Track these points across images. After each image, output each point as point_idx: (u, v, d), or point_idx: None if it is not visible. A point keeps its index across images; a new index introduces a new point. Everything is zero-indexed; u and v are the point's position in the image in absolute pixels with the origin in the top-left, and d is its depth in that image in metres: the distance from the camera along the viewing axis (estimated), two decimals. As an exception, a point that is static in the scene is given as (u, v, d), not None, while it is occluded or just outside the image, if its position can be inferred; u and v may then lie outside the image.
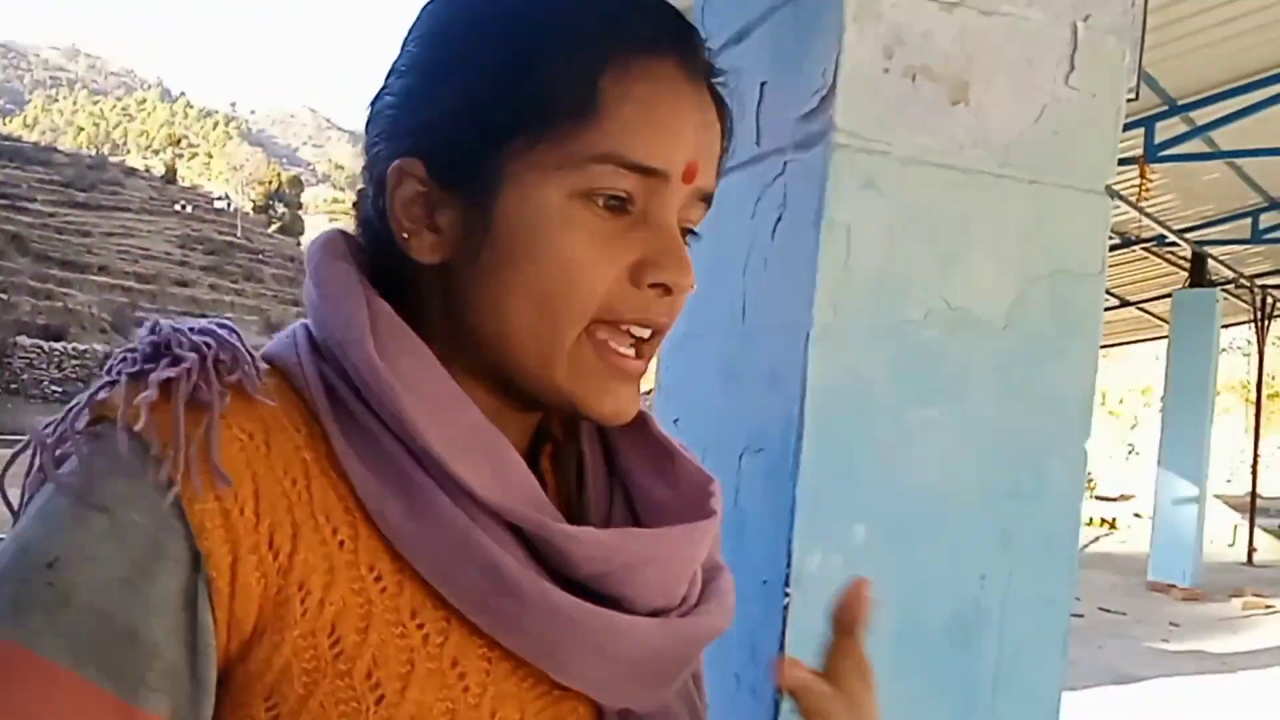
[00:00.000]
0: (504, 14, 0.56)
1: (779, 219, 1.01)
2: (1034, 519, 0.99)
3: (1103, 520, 17.07)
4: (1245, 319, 14.10)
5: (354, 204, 0.63)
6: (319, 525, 0.52)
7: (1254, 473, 13.47)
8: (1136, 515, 15.46)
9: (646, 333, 0.58)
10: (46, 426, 0.51)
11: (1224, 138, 8.04)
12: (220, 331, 0.54)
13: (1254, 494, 13.29)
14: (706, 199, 0.60)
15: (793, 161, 1.00)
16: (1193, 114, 7.58)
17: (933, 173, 0.97)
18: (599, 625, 0.54)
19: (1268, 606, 9.20)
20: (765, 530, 0.96)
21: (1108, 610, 9.24)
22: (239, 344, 0.53)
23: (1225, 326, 12.82)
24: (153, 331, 0.53)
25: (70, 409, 0.51)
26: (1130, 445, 19.76)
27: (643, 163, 0.55)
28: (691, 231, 0.60)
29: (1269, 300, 13.58)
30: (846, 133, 0.94)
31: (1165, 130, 7.72)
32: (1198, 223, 10.65)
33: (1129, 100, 3.60)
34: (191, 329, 0.53)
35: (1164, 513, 10.28)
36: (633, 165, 0.54)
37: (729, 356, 1.09)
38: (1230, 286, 12.75)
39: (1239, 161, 8.94)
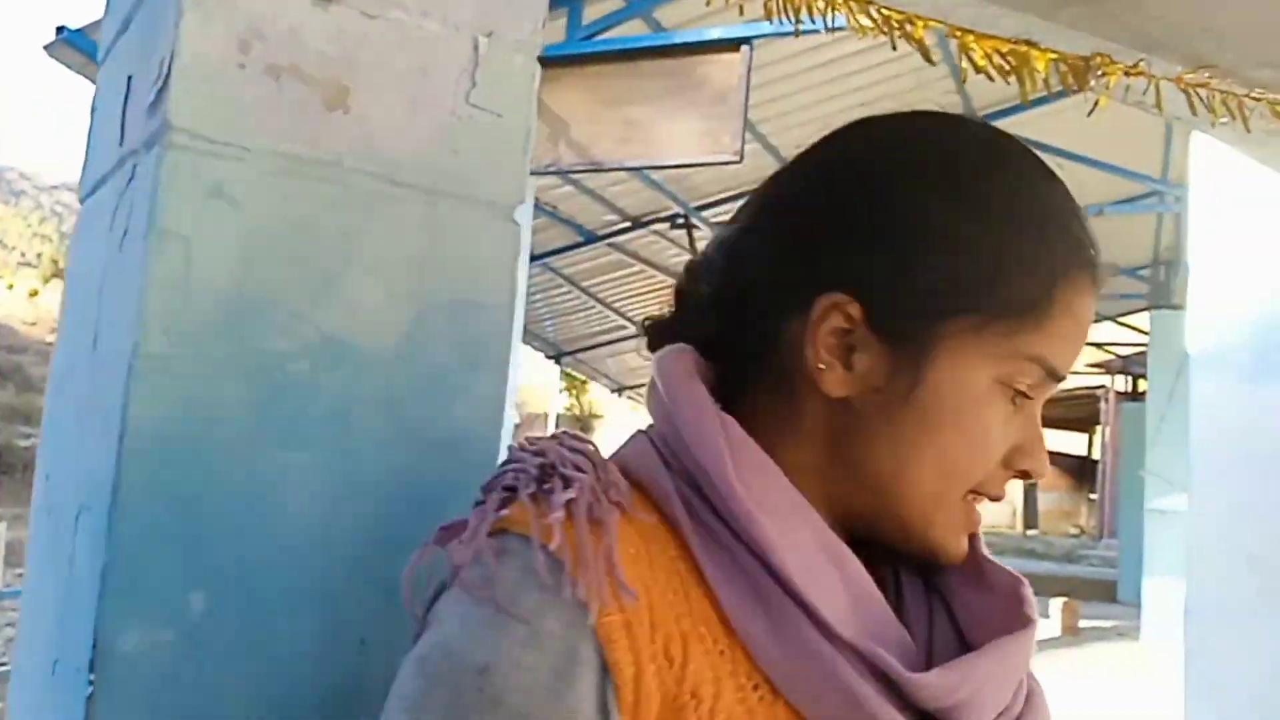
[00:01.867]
0: (987, 200, 0.60)
1: (125, 231, 0.86)
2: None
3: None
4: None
5: (688, 293, 0.69)
6: (702, 636, 0.55)
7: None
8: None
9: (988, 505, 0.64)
10: (443, 532, 0.56)
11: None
12: (588, 449, 0.59)
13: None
14: None
15: (140, 164, 0.85)
16: (811, 182, 8.33)
17: (305, 185, 0.86)
18: None
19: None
20: (74, 604, 0.80)
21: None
22: (609, 462, 0.58)
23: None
24: (538, 453, 0.57)
25: (474, 523, 0.55)
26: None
27: (1057, 369, 0.60)
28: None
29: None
30: (186, 132, 0.81)
31: (789, 195, 8.42)
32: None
33: (732, 163, 3.77)
34: (566, 447, 0.58)
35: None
36: (1050, 370, 0.60)
37: (81, 396, 0.92)
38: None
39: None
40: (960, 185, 0.61)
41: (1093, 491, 22.02)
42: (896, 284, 0.59)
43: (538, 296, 10.79)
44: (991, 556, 0.67)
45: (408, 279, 0.90)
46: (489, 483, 0.59)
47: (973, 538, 0.67)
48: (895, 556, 0.66)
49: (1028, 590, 0.65)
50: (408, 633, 0.87)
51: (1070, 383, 12.96)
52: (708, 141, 5.08)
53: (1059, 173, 0.65)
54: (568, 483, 0.55)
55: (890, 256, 0.60)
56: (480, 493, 0.59)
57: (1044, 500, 24.68)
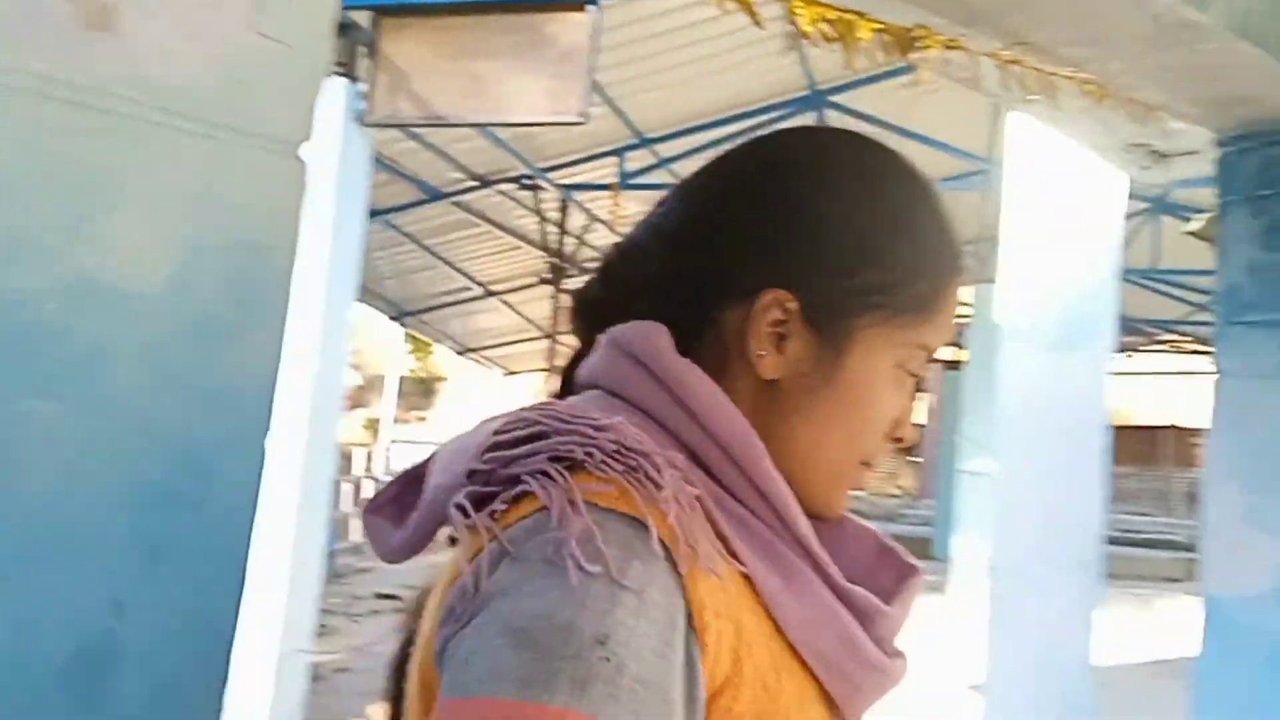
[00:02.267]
0: (903, 218, 0.71)
1: None
2: (195, 532, 0.84)
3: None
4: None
5: (621, 275, 0.73)
6: (745, 597, 0.61)
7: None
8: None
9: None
10: (463, 497, 0.58)
11: (686, 170, 8.91)
12: (644, 439, 0.61)
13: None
14: None
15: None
16: (658, 147, 8.32)
17: (60, 110, 0.79)
18: (894, 674, 0.67)
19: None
20: None
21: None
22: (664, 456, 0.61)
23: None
24: (599, 429, 0.59)
25: (550, 493, 0.56)
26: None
27: (937, 355, 0.72)
28: None
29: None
30: (-83, 44, 0.72)
31: (635, 160, 8.39)
32: (672, 248, 11.73)
33: (576, 124, 3.68)
34: (628, 441, 0.60)
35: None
36: (932, 354, 0.71)
37: None
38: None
39: (702, 195, 9.99)
40: (886, 207, 0.71)
41: (916, 455, 23.08)
42: (828, 286, 0.68)
43: (379, 254, 10.49)
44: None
45: (178, 217, 0.84)
46: (522, 449, 0.59)
47: None
48: None
49: (891, 540, 0.76)
50: (175, 596, 0.82)
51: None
52: (553, 101, 5.00)
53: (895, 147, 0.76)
54: (653, 463, 0.59)
55: (826, 263, 0.68)
56: (495, 457, 0.60)
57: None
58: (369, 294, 12.01)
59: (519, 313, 13.71)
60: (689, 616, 0.57)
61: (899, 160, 0.74)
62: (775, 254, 0.69)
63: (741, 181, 0.73)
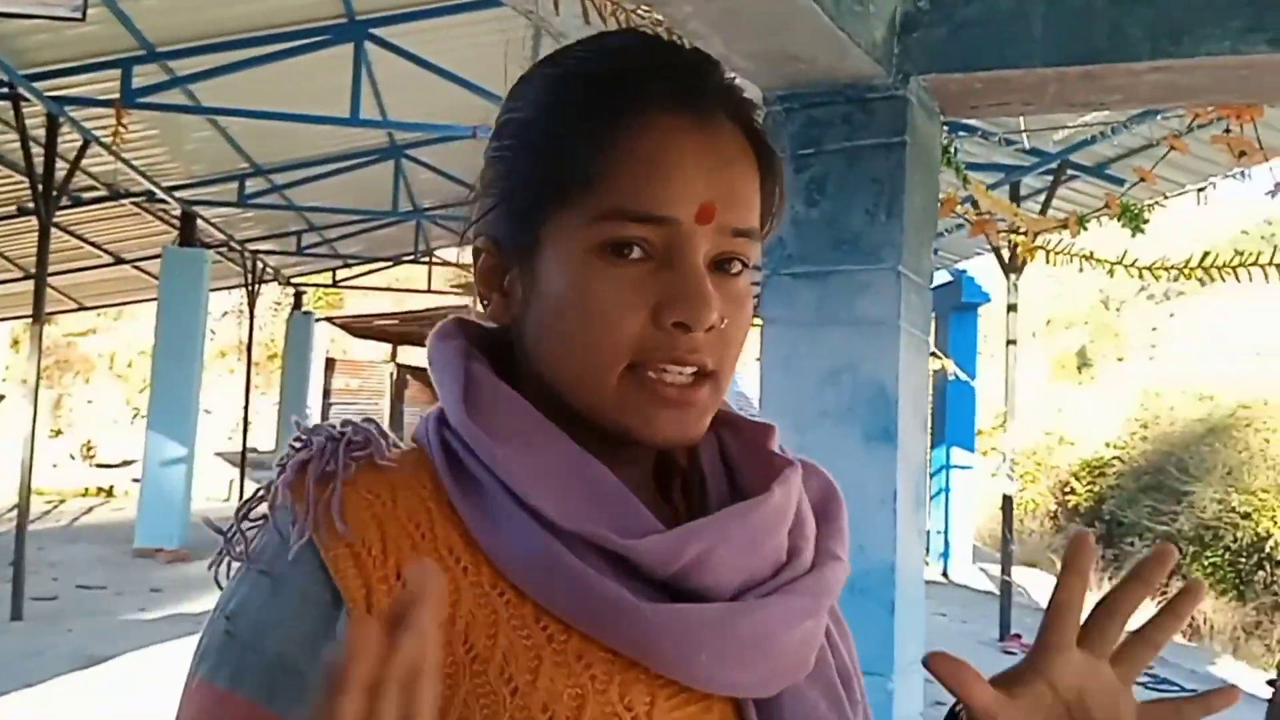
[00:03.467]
0: (525, 104, 0.67)
1: None
2: None
3: (99, 489, 16.29)
4: (238, 282, 14.69)
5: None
6: (442, 556, 0.61)
7: (245, 429, 14.15)
8: (135, 480, 15.10)
9: (683, 372, 0.63)
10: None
11: (206, 93, 8.00)
12: (358, 421, 0.66)
13: (244, 449, 13.97)
14: (745, 233, 0.65)
15: None
16: (172, 63, 7.35)
17: None
18: (671, 618, 0.59)
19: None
20: None
21: (86, 586, 8.64)
22: (372, 429, 0.66)
23: (217, 290, 13.14)
24: (305, 432, 0.66)
25: (243, 502, 0.66)
26: (136, 409, 19.24)
27: (647, 211, 0.62)
28: (745, 265, 0.66)
29: (259, 264, 14.35)
30: None
31: (144, 76, 7.35)
32: (188, 181, 10.58)
33: (73, 20, 2.99)
34: (335, 424, 0.66)
35: (152, 475, 10.04)
36: (637, 216, 0.62)
37: None
38: (223, 249, 13.10)
39: (224, 125, 9.05)
40: (512, 104, 0.68)
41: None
42: (501, 210, 0.67)
43: None
44: (790, 455, 0.72)
45: None
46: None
47: (769, 439, 0.72)
48: (699, 464, 0.70)
49: (792, 473, 0.68)
50: None
51: (439, 301, 13.08)
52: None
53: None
54: (318, 453, 0.64)
55: (491, 189, 0.68)
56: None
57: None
58: None
59: (-6, 248, 11.60)
60: (331, 587, 0.60)
61: (553, 56, 0.69)
62: (479, 210, 0.69)
63: None
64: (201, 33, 7.20)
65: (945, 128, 2.78)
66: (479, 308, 0.70)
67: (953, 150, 3.06)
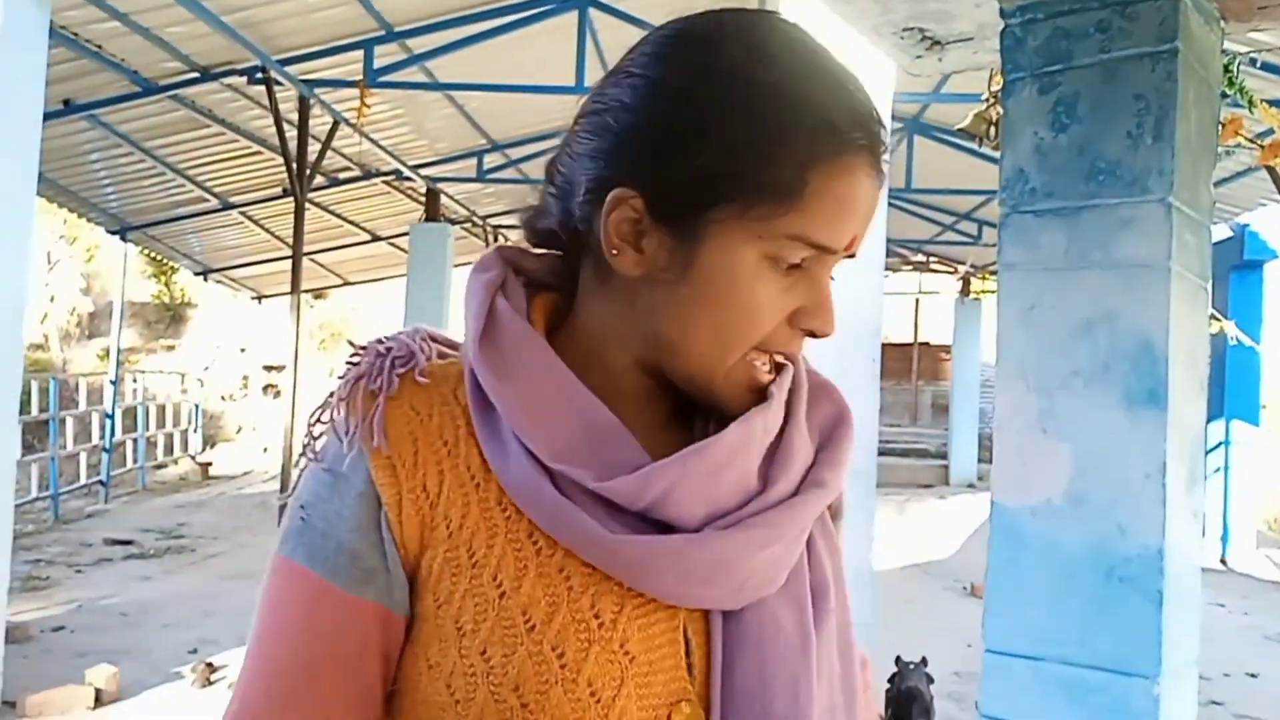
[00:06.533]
0: (743, 95, 0.67)
1: None
2: None
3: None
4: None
5: (546, 191, 0.77)
6: (460, 473, 0.70)
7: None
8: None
9: (770, 363, 0.73)
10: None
11: (442, 70, 8.27)
12: (404, 335, 0.75)
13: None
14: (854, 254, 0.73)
15: None
16: (409, 42, 7.63)
17: None
18: (634, 549, 0.67)
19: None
20: None
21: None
22: (417, 343, 0.74)
23: (461, 265, 13.72)
24: (361, 347, 0.74)
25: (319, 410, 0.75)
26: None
27: (823, 244, 0.68)
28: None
29: (500, 238, 14.90)
30: None
31: (385, 56, 7.67)
32: (432, 159, 11.06)
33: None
34: (387, 337, 0.74)
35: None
36: (814, 244, 0.68)
37: None
38: (467, 224, 13.68)
39: (462, 102, 9.36)
40: (714, 86, 0.67)
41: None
42: (667, 179, 0.67)
43: (92, 157, 9.23)
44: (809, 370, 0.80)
45: None
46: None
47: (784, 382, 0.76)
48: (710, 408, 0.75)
49: (766, 412, 0.73)
50: None
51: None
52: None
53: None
54: (371, 369, 0.72)
55: (661, 155, 0.68)
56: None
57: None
58: (84, 204, 10.65)
59: (265, 229, 12.62)
60: (375, 490, 0.69)
61: (754, 39, 0.69)
62: (620, 153, 0.69)
63: (600, 85, 0.74)
64: (435, 10, 7.43)
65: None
66: (607, 251, 0.70)
67: (1235, 66, 2.57)
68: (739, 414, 0.72)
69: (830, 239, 0.68)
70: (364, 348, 0.74)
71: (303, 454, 0.74)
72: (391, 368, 0.72)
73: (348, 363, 0.74)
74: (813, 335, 0.72)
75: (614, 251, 0.70)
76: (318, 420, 0.74)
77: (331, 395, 0.74)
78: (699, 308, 0.69)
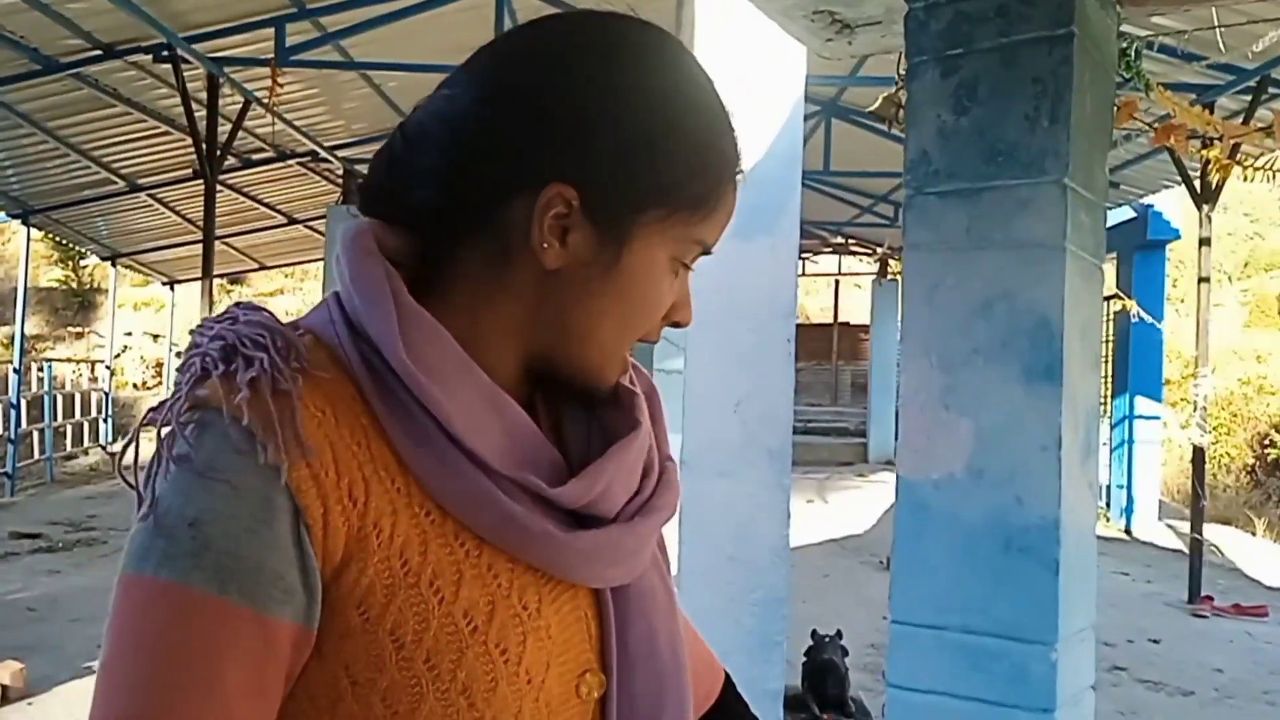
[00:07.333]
0: (683, 118, 0.73)
1: None
2: None
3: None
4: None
5: (404, 160, 0.74)
6: (382, 478, 0.67)
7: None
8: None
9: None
10: (150, 414, 0.66)
11: (357, 49, 8.10)
12: (268, 322, 0.68)
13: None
14: None
15: None
16: (323, 20, 7.46)
17: None
18: (587, 543, 0.72)
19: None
20: None
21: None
22: (286, 330, 0.68)
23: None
24: (216, 337, 0.67)
25: (171, 403, 0.65)
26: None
27: (710, 247, 0.78)
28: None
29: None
30: None
31: (298, 34, 7.49)
32: (349, 140, 10.85)
33: None
34: (243, 323, 0.68)
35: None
36: (707, 249, 0.77)
37: None
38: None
39: (379, 82, 9.19)
40: (668, 109, 0.72)
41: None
42: (610, 183, 0.71)
43: (-11, 138, 8.86)
44: (633, 384, 0.83)
45: None
46: (180, 366, 0.67)
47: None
48: (560, 395, 0.79)
49: (639, 399, 0.81)
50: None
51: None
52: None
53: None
54: (249, 362, 0.65)
55: (608, 161, 0.70)
56: (177, 376, 0.67)
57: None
58: (-18, 188, 10.22)
59: (175, 211, 12.26)
60: (292, 501, 0.63)
61: (683, 61, 0.76)
62: (560, 149, 0.70)
63: (529, 72, 0.73)
64: (349, -13, 7.27)
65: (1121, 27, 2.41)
66: (538, 242, 0.71)
67: (1132, 51, 2.65)
68: (602, 397, 0.78)
69: (714, 242, 0.77)
70: (228, 339, 0.66)
71: (160, 463, 0.64)
72: (286, 361, 0.66)
73: (219, 355, 0.66)
74: (676, 325, 0.79)
75: (545, 245, 0.70)
76: (176, 422, 0.64)
77: (179, 394, 0.65)
78: (613, 301, 0.73)
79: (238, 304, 0.71)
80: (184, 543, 0.62)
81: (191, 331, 0.69)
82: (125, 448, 0.67)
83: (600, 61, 0.72)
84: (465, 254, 0.73)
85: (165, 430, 0.65)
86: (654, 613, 0.79)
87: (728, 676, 1.02)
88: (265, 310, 0.70)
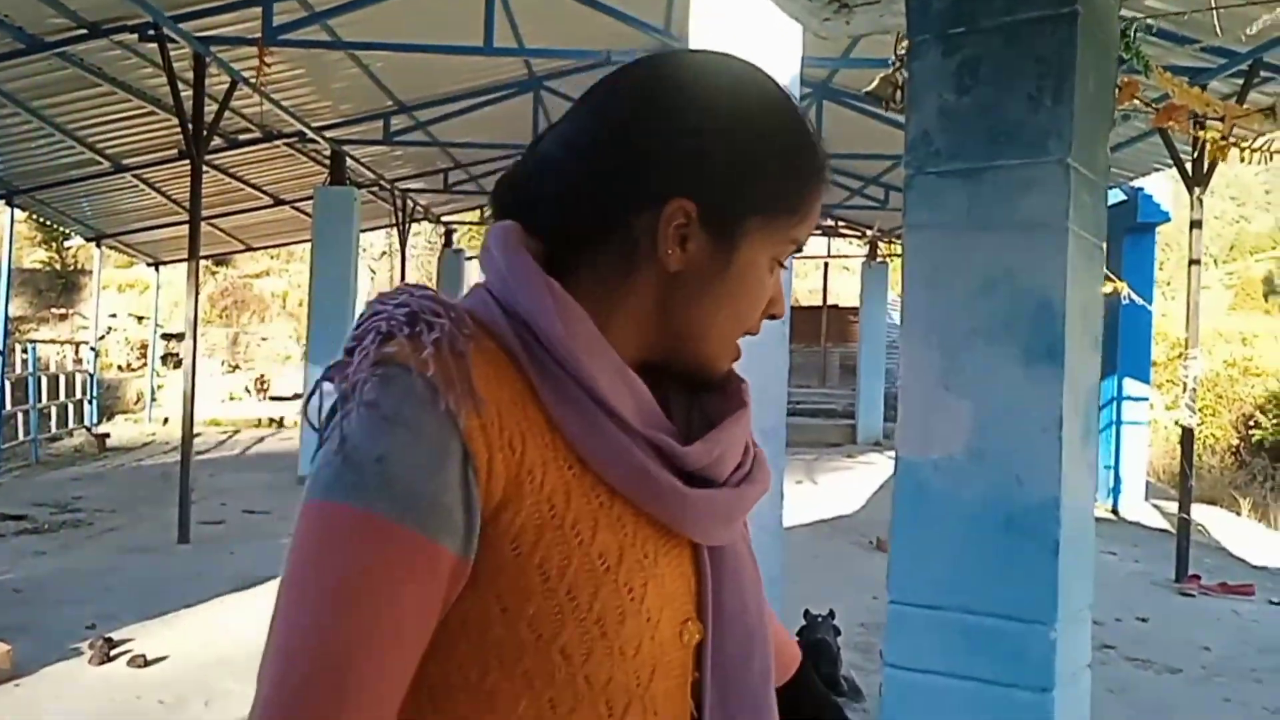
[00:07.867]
0: (779, 133, 0.86)
1: None
2: None
3: (271, 420, 17.15)
4: (388, 222, 15.01)
5: (533, 183, 0.87)
6: (537, 433, 0.77)
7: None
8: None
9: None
10: (332, 369, 0.75)
11: (345, 29, 8.03)
12: (440, 298, 0.79)
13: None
14: None
15: None
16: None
17: None
18: (703, 500, 0.83)
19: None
20: None
21: (252, 511, 9.05)
22: (458, 305, 0.79)
23: (370, 230, 13.42)
24: (401, 304, 0.77)
25: (359, 358, 0.74)
26: (306, 345, 20.12)
27: (803, 245, 0.91)
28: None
29: (409, 203, 14.61)
30: None
31: (285, 13, 7.41)
32: (337, 120, 10.76)
33: None
34: (420, 297, 0.78)
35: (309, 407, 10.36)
36: (800, 247, 0.90)
37: None
38: (374, 188, 13.37)
39: (367, 62, 9.11)
40: (765, 126, 0.85)
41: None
42: (720, 195, 0.83)
43: (-28, 118, 8.75)
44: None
45: None
46: (360, 329, 0.77)
47: None
48: (668, 380, 0.89)
49: (745, 385, 0.93)
50: None
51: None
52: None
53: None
54: (431, 326, 0.75)
55: (718, 176, 0.83)
56: (351, 338, 0.76)
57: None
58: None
59: (161, 192, 12.16)
60: (464, 447, 0.72)
61: (770, 86, 0.88)
62: (678, 169, 0.83)
63: (648, 106, 0.85)
64: (337, -34, 7.19)
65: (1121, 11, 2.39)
66: (663, 249, 0.83)
67: (1134, 32, 2.64)
68: (716, 386, 0.90)
69: (806, 240, 0.90)
70: (413, 306, 0.76)
71: (347, 404, 0.72)
72: (459, 329, 0.76)
73: (403, 319, 0.75)
74: (773, 318, 0.90)
75: (669, 251, 0.82)
76: (367, 373, 0.73)
77: (366, 351, 0.74)
78: (726, 300, 0.85)
79: (407, 284, 0.81)
80: (370, 476, 0.70)
81: (370, 302, 0.79)
82: (309, 396, 0.78)
83: (705, 93, 0.85)
84: (592, 258, 0.84)
85: (351, 379, 0.73)
86: (743, 576, 0.90)
87: (804, 659, 1.17)
88: (432, 289, 0.81)
